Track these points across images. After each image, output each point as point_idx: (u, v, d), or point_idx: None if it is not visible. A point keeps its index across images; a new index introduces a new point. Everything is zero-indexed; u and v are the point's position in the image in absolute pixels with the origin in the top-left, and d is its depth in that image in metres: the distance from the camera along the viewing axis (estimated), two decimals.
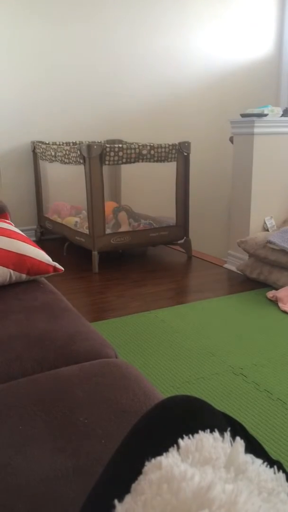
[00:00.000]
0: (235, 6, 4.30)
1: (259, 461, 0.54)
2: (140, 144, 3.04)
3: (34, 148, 3.70)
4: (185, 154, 3.25)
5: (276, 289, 2.66)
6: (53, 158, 3.37)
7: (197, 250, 3.62)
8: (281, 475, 0.53)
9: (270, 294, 2.56)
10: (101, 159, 2.93)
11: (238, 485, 0.48)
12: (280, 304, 2.44)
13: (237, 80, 4.48)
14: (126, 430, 0.75)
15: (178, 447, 0.55)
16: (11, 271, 1.53)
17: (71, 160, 3.12)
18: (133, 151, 3.00)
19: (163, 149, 3.12)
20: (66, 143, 3.78)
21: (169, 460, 0.52)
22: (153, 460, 0.53)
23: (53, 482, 0.71)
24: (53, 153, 3.35)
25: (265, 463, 0.54)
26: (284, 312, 2.38)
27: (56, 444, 0.78)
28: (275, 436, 1.45)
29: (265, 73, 4.60)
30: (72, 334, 1.21)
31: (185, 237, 3.41)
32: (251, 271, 2.86)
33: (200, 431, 0.58)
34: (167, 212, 3.53)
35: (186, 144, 3.22)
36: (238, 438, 0.56)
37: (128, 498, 0.51)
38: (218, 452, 0.54)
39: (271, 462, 0.57)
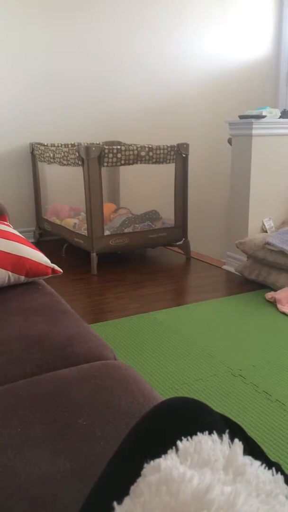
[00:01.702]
0: (233, 7, 4.31)
1: (257, 463, 0.54)
2: (138, 145, 3.05)
3: (33, 149, 3.70)
4: (184, 155, 3.25)
5: (275, 290, 2.66)
6: (52, 160, 3.37)
7: (195, 252, 3.62)
8: (280, 477, 0.53)
9: (269, 295, 2.56)
10: (99, 160, 2.93)
11: (236, 487, 0.48)
12: (278, 305, 2.44)
13: (236, 81, 4.48)
14: (125, 432, 0.75)
15: (177, 449, 0.55)
16: (10, 273, 1.53)
17: (69, 162, 3.12)
18: (131, 152, 3.00)
19: (161, 151, 3.13)
20: (65, 144, 3.78)
21: (168, 462, 0.52)
22: (152, 462, 0.53)
23: (52, 484, 0.71)
24: (51, 155, 3.35)
25: (264, 465, 0.55)
26: (283, 313, 2.39)
27: (55, 446, 0.79)
28: (274, 438, 1.46)
29: (263, 75, 4.61)
30: (71, 336, 1.21)
31: (183, 239, 3.41)
32: (249, 272, 2.86)
33: (198, 433, 0.58)
34: (166, 214, 3.53)
35: (185, 145, 3.22)
36: (236, 440, 0.57)
37: (127, 500, 0.51)
38: (216, 454, 0.54)
39: (269, 464, 0.58)
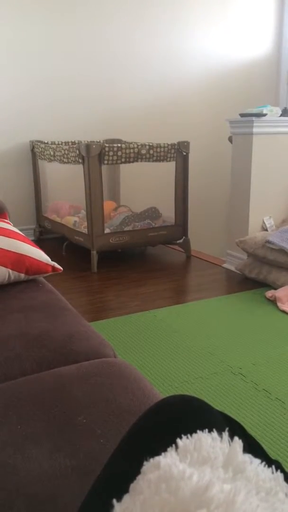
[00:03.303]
0: (234, 5, 4.30)
1: (257, 461, 0.54)
2: (139, 143, 3.04)
3: (33, 147, 3.69)
4: (184, 153, 3.25)
5: (275, 288, 2.66)
6: (52, 158, 3.37)
7: (196, 250, 3.62)
8: (279, 475, 0.53)
9: (269, 293, 2.56)
10: (100, 158, 2.93)
11: (236, 484, 0.48)
12: (279, 304, 2.44)
13: (236, 79, 4.48)
14: (124, 430, 0.75)
15: (177, 447, 0.55)
16: (10, 270, 1.53)
17: (70, 160, 3.12)
18: (132, 150, 3.00)
19: (162, 149, 3.12)
20: (65, 142, 3.78)
21: (168, 460, 0.52)
22: (151, 460, 0.53)
23: (51, 482, 0.71)
24: (52, 153, 3.35)
25: (263, 463, 0.55)
26: (283, 311, 2.39)
27: (55, 443, 0.79)
28: (274, 436, 1.46)
29: (264, 73, 4.60)
30: (71, 333, 1.21)
31: (184, 237, 3.41)
32: (250, 271, 2.86)
33: (198, 431, 0.58)
34: (166, 212, 3.53)
35: (185, 143, 3.22)
36: (236, 438, 0.57)
37: (126, 498, 0.51)
38: (216, 451, 0.54)
39: (269, 461, 0.58)
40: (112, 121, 4.02)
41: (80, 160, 2.99)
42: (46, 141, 3.72)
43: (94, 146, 2.89)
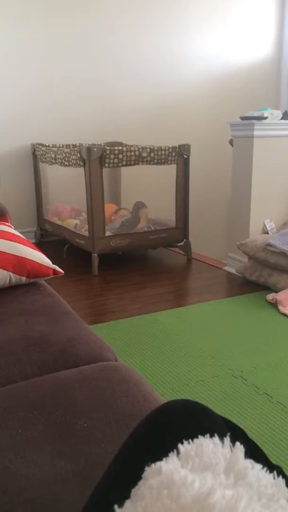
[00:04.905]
0: (235, 8, 4.31)
1: (258, 466, 0.54)
2: (140, 146, 3.05)
3: (34, 150, 3.70)
4: (185, 156, 3.25)
5: (276, 291, 2.66)
6: (53, 161, 3.37)
7: (197, 253, 3.62)
8: (281, 481, 0.53)
9: (270, 296, 2.56)
10: (101, 161, 2.93)
11: (238, 490, 0.48)
12: (279, 307, 2.44)
13: (237, 82, 4.48)
14: (125, 434, 0.75)
15: (178, 452, 0.55)
16: (11, 273, 1.53)
17: (71, 163, 3.12)
18: (133, 153, 3.00)
19: (163, 152, 3.12)
20: (66, 145, 3.78)
21: (169, 466, 0.52)
22: (153, 465, 0.53)
23: (52, 486, 0.70)
24: (53, 156, 3.35)
25: (265, 468, 0.54)
26: (284, 314, 2.38)
27: (56, 448, 0.78)
28: (275, 440, 1.45)
29: (265, 76, 4.61)
30: (71, 337, 1.21)
31: (185, 240, 3.41)
32: (250, 274, 2.86)
33: (200, 436, 0.57)
34: (167, 215, 3.53)
35: (186, 146, 3.22)
36: (238, 443, 0.56)
37: (128, 504, 0.51)
38: (218, 457, 0.54)
39: (271, 467, 0.57)
40: (113, 124, 4.03)
41: (81, 163, 2.99)
42: (47, 144, 3.72)
43: (95, 149, 2.89)
